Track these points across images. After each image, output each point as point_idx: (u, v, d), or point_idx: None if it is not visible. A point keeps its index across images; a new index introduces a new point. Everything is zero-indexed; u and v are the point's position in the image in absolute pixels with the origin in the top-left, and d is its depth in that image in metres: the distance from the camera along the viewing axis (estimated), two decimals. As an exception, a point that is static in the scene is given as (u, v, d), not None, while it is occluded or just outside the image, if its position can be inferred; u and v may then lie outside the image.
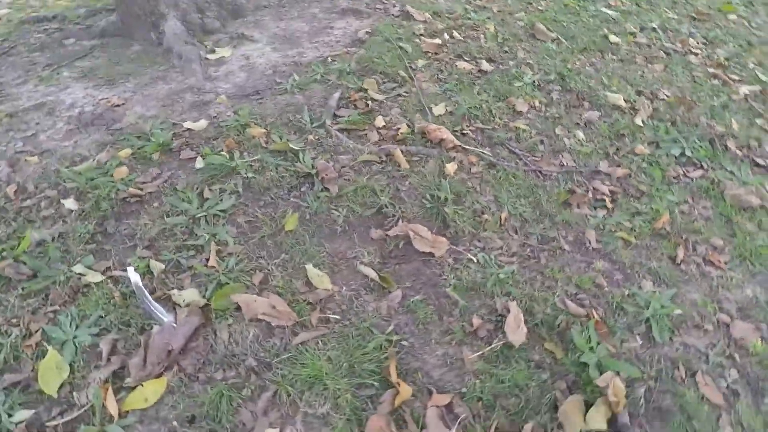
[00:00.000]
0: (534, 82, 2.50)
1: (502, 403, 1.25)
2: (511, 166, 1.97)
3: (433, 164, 1.93)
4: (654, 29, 3.26)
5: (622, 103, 2.41)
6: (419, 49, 2.70)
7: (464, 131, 2.13)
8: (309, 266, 1.51)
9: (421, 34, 2.86)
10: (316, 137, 2.02)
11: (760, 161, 2.17)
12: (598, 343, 1.36)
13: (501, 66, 2.64)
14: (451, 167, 1.91)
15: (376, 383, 1.26)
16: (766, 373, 1.38)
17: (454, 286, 1.51)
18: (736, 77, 2.80)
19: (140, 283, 1.38)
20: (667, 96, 2.54)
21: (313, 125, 2.08)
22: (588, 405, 1.24)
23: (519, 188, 1.87)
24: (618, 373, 1.28)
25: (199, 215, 1.64)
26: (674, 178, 2.02)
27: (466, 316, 1.44)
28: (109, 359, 1.27)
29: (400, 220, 1.70)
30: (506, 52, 2.79)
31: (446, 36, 2.86)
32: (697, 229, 1.79)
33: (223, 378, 1.25)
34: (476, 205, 1.77)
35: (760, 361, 1.41)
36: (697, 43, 3.19)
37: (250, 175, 1.80)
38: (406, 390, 1.23)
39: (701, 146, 2.19)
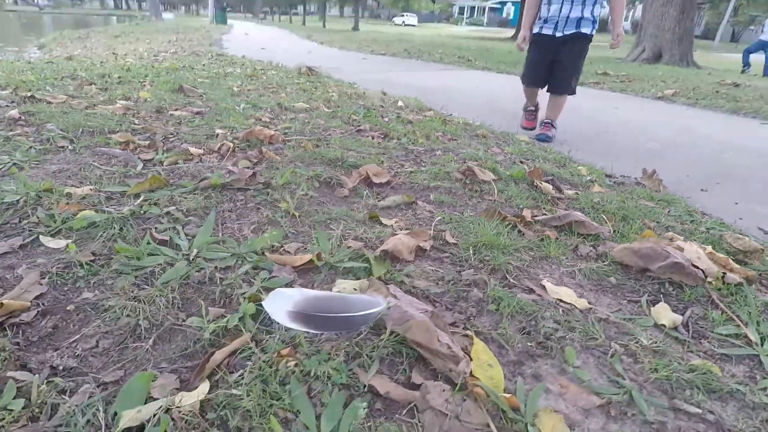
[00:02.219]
0: (244, 108, 2.73)
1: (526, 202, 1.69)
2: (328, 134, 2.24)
3: (291, 151, 1.90)
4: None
5: (307, 106, 3.08)
6: (108, 113, 2.26)
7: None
8: (377, 215, 1.31)
9: (94, 104, 2.37)
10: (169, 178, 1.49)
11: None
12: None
13: (204, 109, 2.65)
14: (307, 144, 1.96)
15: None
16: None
17: (429, 179, 1.73)
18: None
19: (317, 293, 0.79)
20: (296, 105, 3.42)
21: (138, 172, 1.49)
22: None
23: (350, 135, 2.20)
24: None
25: (192, 254, 0.97)
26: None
27: (462, 182, 1.73)
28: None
29: (342, 177, 1.66)
30: (188, 104, 2.79)
31: (122, 102, 2.50)
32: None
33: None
34: (356, 151, 1.97)
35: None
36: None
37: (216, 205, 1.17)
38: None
39: (363, 110, 3.21)
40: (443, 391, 0.71)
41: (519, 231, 1.38)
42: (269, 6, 52.30)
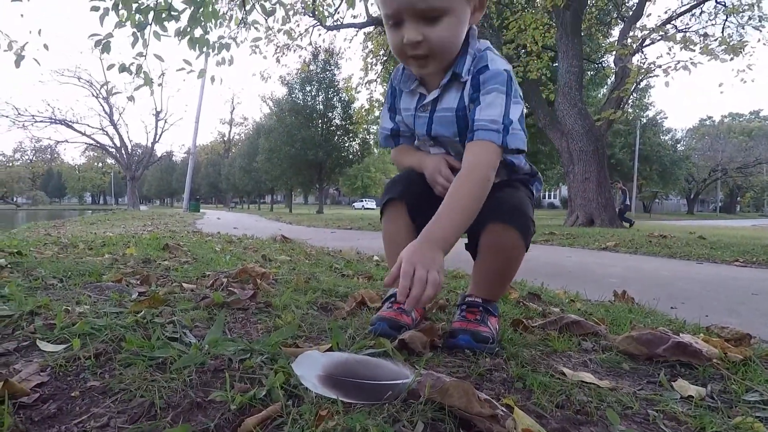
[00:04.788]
0: (230, 259, 2.80)
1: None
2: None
3: (284, 285, 1.93)
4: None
5: (290, 258, 3.19)
6: (96, 262, 2.26)
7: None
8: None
9: (82, 257, 2.37)
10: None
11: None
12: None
13: (191, 260, 2.70)
14: (299, 279, 2.00)
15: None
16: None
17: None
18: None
19: (345, 356, 0.76)
20: (279, 258, 3.54)
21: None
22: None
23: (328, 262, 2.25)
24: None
25: (205, 348, 0.92)
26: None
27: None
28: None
29: (338, 303, 1.68)
30: (175, 257, 2.83)
31: (109, 255, 2.52)
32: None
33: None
34: (345, 286, 2.01)
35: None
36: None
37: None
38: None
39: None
40: (499, 441, 0.66)
41: (520, 333, 1.40)
42: (239, 196, 57.02)
